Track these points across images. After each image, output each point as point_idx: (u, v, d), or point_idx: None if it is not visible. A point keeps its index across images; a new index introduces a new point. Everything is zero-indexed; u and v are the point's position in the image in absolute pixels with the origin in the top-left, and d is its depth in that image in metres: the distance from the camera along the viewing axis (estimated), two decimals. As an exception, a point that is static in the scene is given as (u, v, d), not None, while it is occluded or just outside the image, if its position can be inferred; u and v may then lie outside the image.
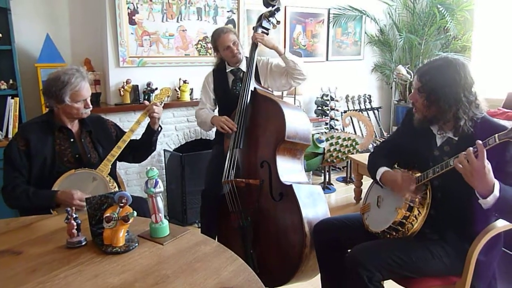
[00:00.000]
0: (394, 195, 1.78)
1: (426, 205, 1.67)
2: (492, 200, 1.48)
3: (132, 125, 2.20)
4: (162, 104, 2.31)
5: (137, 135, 2.27)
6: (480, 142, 1.45)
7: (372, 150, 2.19)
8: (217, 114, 2.78)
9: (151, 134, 2.31)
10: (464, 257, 1.66)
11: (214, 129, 2.70)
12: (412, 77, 1.81)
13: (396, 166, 1.86)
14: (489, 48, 5.12)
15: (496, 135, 1.45)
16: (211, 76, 2.82)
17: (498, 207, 1.50)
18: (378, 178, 1.86)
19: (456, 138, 1.70)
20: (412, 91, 1.77)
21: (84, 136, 2.17)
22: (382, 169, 1.85)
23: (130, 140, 2.19)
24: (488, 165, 1.45)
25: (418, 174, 1.71)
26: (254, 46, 2.51)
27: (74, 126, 2.16)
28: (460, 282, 1.68)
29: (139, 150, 2.34)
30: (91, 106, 2.13)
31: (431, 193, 1.69)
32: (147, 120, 2.28)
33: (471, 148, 1.47)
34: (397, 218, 1.68)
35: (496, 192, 1.47)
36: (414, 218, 1.67)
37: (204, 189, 2.61)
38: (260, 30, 2.55)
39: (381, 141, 3.86)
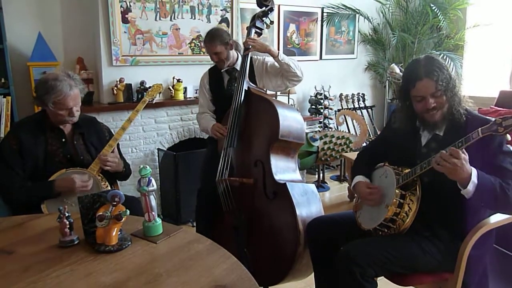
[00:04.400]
0: (385, 192, 1.79)
1: (417, 201, 1.68)
2: (472, 188, 1.52)
3: (123, 123, 2.19)
4: (154, 101, 2.31)
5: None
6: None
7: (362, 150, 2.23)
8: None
9: (115, 174, 2.23)
10: (456, 253, 1.67)
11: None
12: (412, 85, 1.68)
13: (387, 164, 1.87)
14: (481, 46, 5.15)
15: (480, 129, 1.47)
16: (207, 76, 2.82)
17: (479, 194, 1.53)
18: (351, 186, 1.96)
19: (442, 134, 1.72)
20: (428, 99, 1.65)
21: (76, 138, 2.16)
22: (356, 179, 1.92)
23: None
24: (465, 156, 1.49)
25: (407, 171, 1.72)
26: (246, 48, 2.51)
27: (66, 127, 2.14)
28: (452, 279, 1.70)
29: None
30: (76, 115, 2.07)
31: (421, 189, 1.70)
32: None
33: (445, 150, 1.51)
34: (387, 215, 1.69)
35: (474, 179, 1.52)
36: (405, 215, 1.68)
37: (200, 188, 2.61)
38: (253, 30, 2.55)
39: (371, 140, 3.87)
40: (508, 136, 1.48)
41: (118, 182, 2.35)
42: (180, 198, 3.49)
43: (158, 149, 3.68)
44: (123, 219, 1.45)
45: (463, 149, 1.51)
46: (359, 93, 5.44)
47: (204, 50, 3.72)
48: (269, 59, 2.69)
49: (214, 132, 2.55)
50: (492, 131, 1.45)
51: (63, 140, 2.12)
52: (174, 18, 3.65)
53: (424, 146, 1.78)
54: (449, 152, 1.50)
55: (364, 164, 1.99)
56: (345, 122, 5.13)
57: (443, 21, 4.94)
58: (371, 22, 5.25)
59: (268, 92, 2.85)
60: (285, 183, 2.14)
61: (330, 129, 4.83)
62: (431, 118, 1.70)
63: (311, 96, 5.00)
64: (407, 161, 1.77)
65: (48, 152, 2.06)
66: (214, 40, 2.59)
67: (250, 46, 2.48)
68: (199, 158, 3.22)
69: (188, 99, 3.74)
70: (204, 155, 2.88)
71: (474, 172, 1.53)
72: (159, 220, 1.56)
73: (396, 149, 1.84)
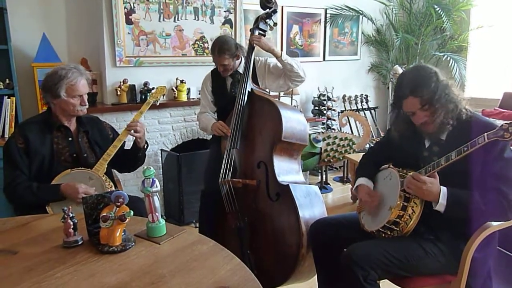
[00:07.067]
0: (389, 195, 1.78)
1: (421, 204, 1.68)
2: (441, 208, 1.60)
3: (128, 124, 2.20)
4: (158, 103, 2.32)
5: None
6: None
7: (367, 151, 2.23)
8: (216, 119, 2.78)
9: (136, 150, 2.29)
10: (459, 255, 1.67)
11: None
12: (401, 103, 1.73)
13: (391, 165, 1.87)
14: (485, 48, 5.14)
15: (485, 134, 1.47)
16: (210, 78, 2.83)
17: (451, 213, 1.61)
18: (353, 188, 1.98)
19: (444, 138, 1.72)
20: (417, 113, 1.68)
21: (81, 136, 2.17)
22: (358, 181, 1.94)
23: (121, 149, 2.18)
24: (432, 179, 1.59)
25: (412, 173, 1.72)
26: (251, 48, 2.51)
27: (71, 125, 2.16)
28: (456, 281, 1.69)
29: (127, 161, 2.32)
30: (87, 103, 2.12)
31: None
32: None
33: (451, 154, 1.56)
34: (391, 217, 1.69)
35: (443, 201, 1.58)
36: (408, 217, 1.67)
37: (204, 189, 2.61)
38: (257, 32, 2.55)
39: (376, 141, 3.87)
40: None
41: (122, 182, 2.37)
42: (183, 199, 3.49)
43: (162, 150, 3.68)
44: (127, 220, 1.46)
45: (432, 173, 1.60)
46: (362, 94, 5.43)
47: (207, 51, 3.77)
48: (272, 60, 2.70)
49: (216, 130, 2.54)
50: (498, 136, 1.45)
51: (70, 139, 2.13)
52: (177, 19, 3.65)
53: (426, 149, 1.77)
54: (413, 177, 1.60)
55: (369, 166, 2.00)
56: (348, 124, 5.13)
57: (447, 22, 4.92)
58: (374, 24, 5.24)
59: (271, 93, 2.86)
60: (288, 185, 2.14)
61: (333, 130, 4.83)
62: (427, 130, 1.73)
63: (314, 97, 5.00)
64: (411, 164, 1.77)
65: (54, 151, 2.07)
66: (224, 53, 2.59)
67: (255, 44, 2.49)
68: (202, 159, 3.23)
69: (192, 100, 3.75)
70: (207, 156, 2.88)
71: (443, 193, 1.58)
72: (162, 221, 1.56)
73: (400, 151, 1.84)
